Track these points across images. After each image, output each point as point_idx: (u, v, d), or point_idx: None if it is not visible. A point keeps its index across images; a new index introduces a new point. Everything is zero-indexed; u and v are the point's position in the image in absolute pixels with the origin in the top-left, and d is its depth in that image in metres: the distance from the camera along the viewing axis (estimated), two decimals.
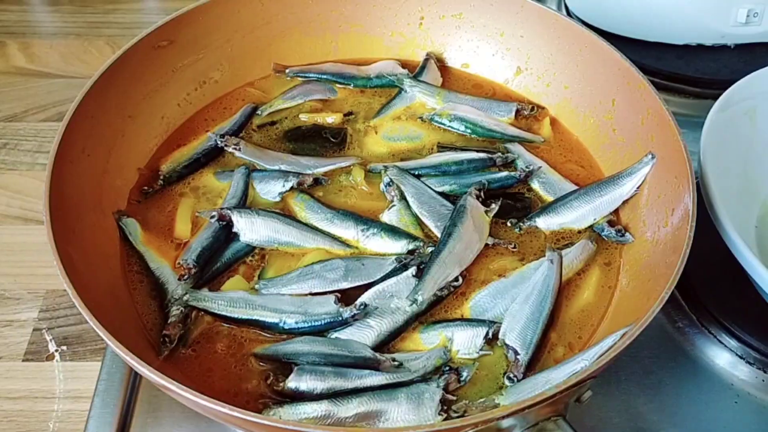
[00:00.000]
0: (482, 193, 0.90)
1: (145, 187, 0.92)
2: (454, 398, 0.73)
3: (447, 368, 0.76)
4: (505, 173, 0.94)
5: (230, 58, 1.04)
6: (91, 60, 1.36)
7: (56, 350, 0.95)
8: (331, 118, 1.02)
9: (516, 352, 0.76)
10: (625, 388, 0.86)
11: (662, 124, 0.86)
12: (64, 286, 0.69)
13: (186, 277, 0.82)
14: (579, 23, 1.01)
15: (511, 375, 0.75)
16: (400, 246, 0.86)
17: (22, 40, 1.40)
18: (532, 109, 1.02)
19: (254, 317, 0.79)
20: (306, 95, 1.04)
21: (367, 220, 0.88)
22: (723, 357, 0.90)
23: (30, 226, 1.09)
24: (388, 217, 0.89)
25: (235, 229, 0.86)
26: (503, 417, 0.61)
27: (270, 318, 0.79)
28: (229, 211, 0.86)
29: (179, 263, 0.83)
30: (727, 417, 0.85)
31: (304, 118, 1.02)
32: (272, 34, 1.06)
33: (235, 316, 0.80)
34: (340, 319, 0.78)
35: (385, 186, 0.91)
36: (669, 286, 0.69)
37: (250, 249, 0.87)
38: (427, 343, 0.79)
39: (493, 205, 0.89)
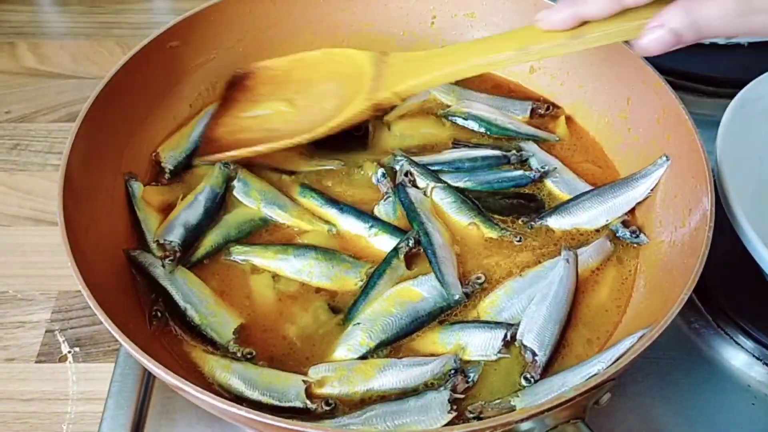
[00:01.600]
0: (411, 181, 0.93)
1: (154, 183, 0.92)
2: (462, 396, 0.73)
3: (452, 371, 0.75)
4: (519, 172, 0.93)
5: (242, 58, 1.03)
6: (101, 60, 1.36)
7: (69, 351, 0.94)
8: None
9: (534, 353, 0.76)
10: (641, 389, 0.85)
11: (678, 124, 0.85)
12: (76, 287, 0.69)
13: (171, 259, 0.83)
14: None
15: (528, 375, 0.75)
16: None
17: (31, 41, 1.39)
18: (548, 108, 1.02)
19: (208, 334, 0.78)
20: None
21: (370, 218, 0.88)
22: (739, 358, 0.89)
23: (41, 226, 1.08)
24: (384, 208, 0.89)
25: (234, 182, 0.90)
26: (521, 420, 0.60)
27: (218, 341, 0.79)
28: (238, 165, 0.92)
29: (162, 242, 0.84)
30: (744, 419, 0.85)
31: None
32: (284, 34, 1.05)
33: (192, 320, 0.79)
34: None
35: (378, 178, 0.91)
36: (688, 288, 0.69)
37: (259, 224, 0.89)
38: (443, 343, 0.78)
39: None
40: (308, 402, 0.72)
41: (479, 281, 0.82)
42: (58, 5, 1.49)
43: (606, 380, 0.63)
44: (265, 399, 0.73)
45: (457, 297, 0.80)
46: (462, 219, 0.89)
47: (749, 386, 0.86)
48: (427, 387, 0.74)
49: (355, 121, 0.88)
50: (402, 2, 1.07)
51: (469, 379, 0.75)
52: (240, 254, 0.85)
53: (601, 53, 0.97)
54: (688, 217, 0.80)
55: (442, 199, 0.90)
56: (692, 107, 0.87)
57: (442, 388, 0.73)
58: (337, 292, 0.82)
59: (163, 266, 0.82)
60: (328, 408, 0.72)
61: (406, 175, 0.92)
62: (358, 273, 0.83)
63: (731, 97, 0.94)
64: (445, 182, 0.92)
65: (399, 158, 0.94)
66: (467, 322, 0.80)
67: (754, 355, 0.88)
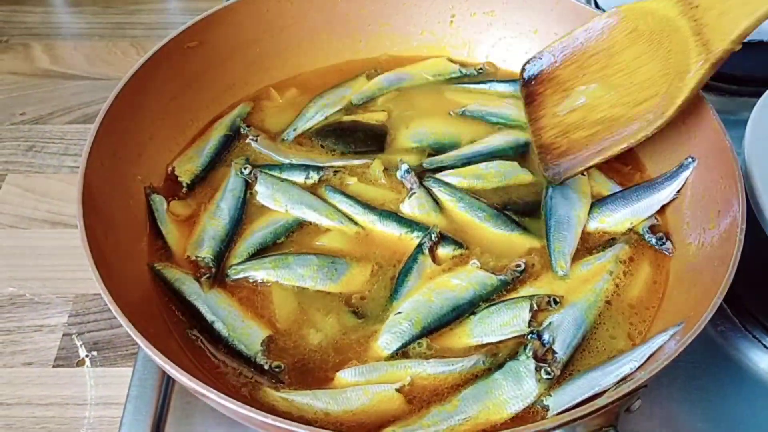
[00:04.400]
0: None
1: (171, 198, 0.90)
2: (546, 364, 0.73)
3: (529, 336, 0.76)
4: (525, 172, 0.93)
5: (259, 58, 1.03)
6: (116, 61, 1.35)
7: (87, 356, 0.94)
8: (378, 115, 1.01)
9: (554, 351, 0.75)
10: (668, 394, 0.83)
11: (705, 123, 0.84)
12: (93, 290, 0.69)
13: (208, 276, 0.82)
14: None
15: (549, 370, 0.74)
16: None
17: (46, 42, 1.39)
18: None
19: (236, 346, 0.77)
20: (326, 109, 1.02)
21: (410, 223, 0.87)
22: (767, 361, 0.87)
23: (58, 229, 1.08)
24: (408, 205, 0.88)
25: (257, 188, 0.90)
26: (552, 429, 0.59)
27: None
28: (257, 170, 0.91)
29: (195, 259, 0.83)
30: None
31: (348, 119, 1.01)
32: (301, 34, 1.04)
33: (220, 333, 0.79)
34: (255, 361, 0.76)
35: (403, 174, 0.91)
36: (720, 293, 0.68)
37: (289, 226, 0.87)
38: (471, 334, 0.77)
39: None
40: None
41: (519, 269, 0.82)
42: (71, 6, 1.49)
43: (638, 387, 0.61)
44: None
45: (563, 272, 0.82)
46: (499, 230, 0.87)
47: None
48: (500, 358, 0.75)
49: (699, 89, 0.78)
50: (420, 1, 1.06)
51: (546, 342, 0.75)
52: (238, 273, 0.83)
53: None
54: (717, 218, 0.79)
55: (467, 209, 0.89)
56: (715, 106, 0.86)
57: (523, 357, 0.74)
58: (347, 294, 0.82)
59: (200, 284, 0.81)
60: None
61: (408, 172, 0.91)
62: (363, 274, 0.83)
63: (755, 95, 0.93)
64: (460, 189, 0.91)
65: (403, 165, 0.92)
66: (489, 306, 0.79)
67: None
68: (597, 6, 1.27)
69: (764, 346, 0.88)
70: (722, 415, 0.83)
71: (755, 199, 0.81)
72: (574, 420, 0.59)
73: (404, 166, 0.91)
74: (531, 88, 0.91)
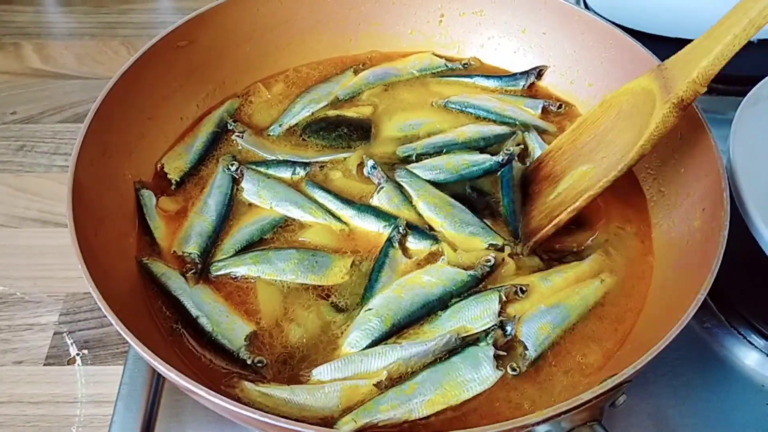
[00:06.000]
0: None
1: (160, 195, 0.90)
2: (505, 354, 0.75)
3: (492, 326, 0.77)
4: (486, 157, 0.94)
5: (249, 57, 1.03)
6: (107, 61, 1.36)
7: (77, 354, 0.94)
8: (364, 110, 1.02)
9: (525, 348, 0.76)
10: (654, 390, 0.84)
11: (691, 121, 0.84)
12: (83, 289, 0.69)
13: (194, 271, 0.82)
14: (602, 19, 1.00)
15: (515, 365, 0.75)
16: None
17: (36, 41, 1.39)
18: (560, 106, 1.01)
19: (219, 341, 0.77)
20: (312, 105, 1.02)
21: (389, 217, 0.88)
22: (752, 357, 0.88)
23: (48, 228, 1.08)
24: (377, 199, 0.89)
25: (243, 184, 0.91)
26: (537, 423, 0.60)
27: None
28: (243, 167, 0.92)
29: (181, 254, 0.84)
30: (759, 419, 0.84)
31: (333, 113, 1.02)
32: (291, 33, 1.05)
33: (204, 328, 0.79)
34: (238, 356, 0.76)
35: (369, 170, 0.92)
36: (705, 287, 0.68)
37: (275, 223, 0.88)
38: (443, 328, 0.77)
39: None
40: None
41: (489, 264, 0.82)
42: (62, 6, 1.49)
43: (624, 381, 0.62)
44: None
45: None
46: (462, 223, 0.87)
47: (763, 386, 0.86)
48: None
49: (665, 131, 0.78)
50: (410, 0, 1.07)
51: (507, 333, 0.76)
52: (220, 270, 0.83)
53: (611, 52, 0.97)
54: (701, 216, 0.80)
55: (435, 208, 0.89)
56: (701, 105, 0.86)
57: (483, 343, 0.75)
58: (328, 287, 0.82)
59: (186, 280, 0.82)
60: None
61: (374, 168, 0.91)
62: (343, 266, 0.83)
63: (741, 94, 0.93)
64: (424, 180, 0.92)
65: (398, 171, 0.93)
66: (459, 300, 0.79)
67: (766, 354, 0.87)
68: (586, 6, 1.28)
69: (749, 341, 0.89)
70: (707, 410, 0.84)
71: (739, 197, 0.82)
72: (559, 415, 0.59)
73: (370, 162, 0.92)
74: (530, 189, 0.91)
